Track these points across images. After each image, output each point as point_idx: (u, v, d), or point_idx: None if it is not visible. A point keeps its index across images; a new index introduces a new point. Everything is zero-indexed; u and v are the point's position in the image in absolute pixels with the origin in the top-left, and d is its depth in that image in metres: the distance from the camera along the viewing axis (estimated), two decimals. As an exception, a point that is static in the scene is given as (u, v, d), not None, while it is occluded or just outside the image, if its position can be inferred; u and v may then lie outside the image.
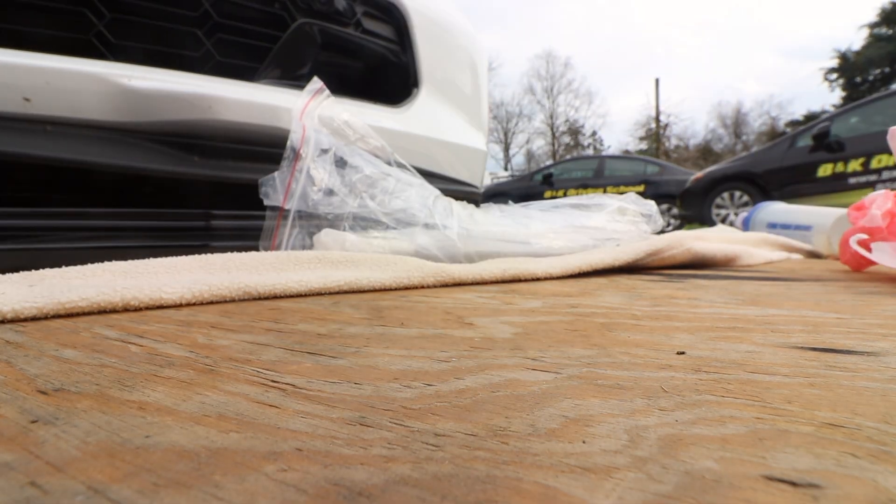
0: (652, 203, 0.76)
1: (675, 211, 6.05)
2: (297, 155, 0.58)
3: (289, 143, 0.58)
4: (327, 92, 0.65)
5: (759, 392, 0.18)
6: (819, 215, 0.97)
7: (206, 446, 0.13)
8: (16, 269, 0.39)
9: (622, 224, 0.70)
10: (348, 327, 0.28)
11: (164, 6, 0.64)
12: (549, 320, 0.30)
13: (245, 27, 0.71)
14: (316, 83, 0.64)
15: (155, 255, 0.44)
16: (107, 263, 0.40)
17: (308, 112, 0.61)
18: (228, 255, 0.46)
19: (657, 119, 18.82)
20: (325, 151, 0.59)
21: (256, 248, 0.61)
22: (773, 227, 1.08)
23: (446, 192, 0.67)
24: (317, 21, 0.76)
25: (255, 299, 0.38)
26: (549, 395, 0.18)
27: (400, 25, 0.89)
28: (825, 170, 4.46)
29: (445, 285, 0.45)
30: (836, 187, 4.38)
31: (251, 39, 0.72)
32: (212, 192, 0.63)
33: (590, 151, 19.80)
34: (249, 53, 0.73)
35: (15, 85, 0.52)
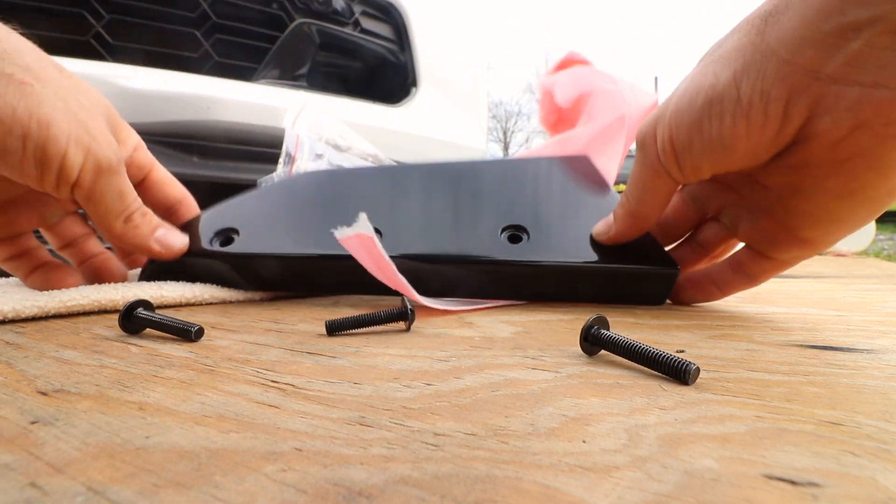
0: None
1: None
2: (292, 159, 0.58)
3: (284, 146, 0.58)
4: (318, 101, 0.65)
5: (758, 390, 0.18)
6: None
7: (205, 447, 0.13)
8: (15, 271, 0.39)
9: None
10: (348, 327, 0.28)
11: (162, 7, 0.64)
12: (549, 319, 0.30)
13: (243, 27, 0.71)
14: (302, 99, 0.65)
15: (154, 256, 0.44)
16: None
17: (299, 122, 0.61)
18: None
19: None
20: (319, 157, 0.59)
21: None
22: (772, 224, 1.08)
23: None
24: (315, 21, 0.76)
25: (254, 300, 0.38)
26: (549, 394, 0.18)
27: (398, 25, 0.89)
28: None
29: (445, 284, 0.45)
30: (836, 185, 4.37)
31: (249, 40, 0.72)
32: (211, 192, 0.63)
33: (590, 150, 19.71)
34: (248, 54, 0.73)
35: (13, 86, 0.52)
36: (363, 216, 0.28)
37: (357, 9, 0.83)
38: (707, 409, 0.16)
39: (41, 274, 0.35)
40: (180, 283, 0.36)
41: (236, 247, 0.37)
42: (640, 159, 0.29)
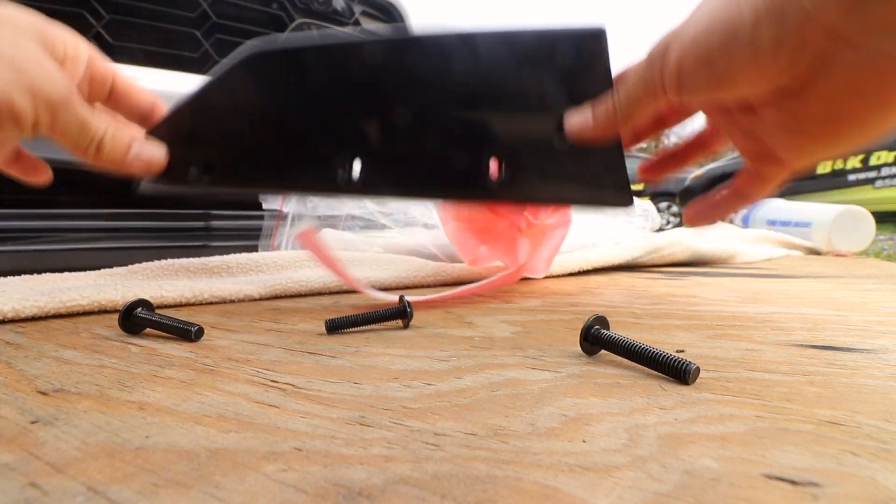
0: (648, 202, 0.78)
1: (674, 209, 6.05)
2: None
3: None
4: None
5: (758, 390, 0.18)
6: (818, 212, 0.97)
7: (205, 446, 0.13)
8: (17, 271, 0.39)
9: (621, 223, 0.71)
10: (348, 327, 0.28)
11: (162, 7, 0.64)
12: (549, 319, 0.30)
13: (243, 27, 0.71)
14: None
15: (155, 256, 0.44)
16: (105, 270, 0.40)
17: None
18: (228, 255, 0.46)
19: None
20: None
21: (256, 249, 0.61)
22: (772, 224, 1.08)
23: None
24: (315, 21, 0.76)
25: (254, 300, 0.38)
26: (549, 393, 0.18)
27: (398, 25, 0.89)
28: (824, 167, 4.46)
29: (445, 284, 0.45)
30: (836, 184, 4.38)
31: (250, 40, 0.72)
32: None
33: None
34: (248, 53, 0.73)
35: (13, 86, 0.52)
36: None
37: (357, 9, 0.83)
38: (707, 409, 0.16)
39: (17, 167, 0.34)
40: (180, 282, 0.36)
41: (219, 179, 0.34)
42: (643, 75, 0.29)
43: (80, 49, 0.33)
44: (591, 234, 0.65)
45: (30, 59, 0.27)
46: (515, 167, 0.32)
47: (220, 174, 0.35)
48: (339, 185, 0.33)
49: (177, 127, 0.35)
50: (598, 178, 0.33)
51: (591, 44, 0.32)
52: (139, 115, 0.36)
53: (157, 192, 0.36)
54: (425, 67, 0.34)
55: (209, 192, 0.35)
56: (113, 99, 0.35)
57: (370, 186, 0.33)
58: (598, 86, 0.31)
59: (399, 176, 0.34)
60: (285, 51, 0.36)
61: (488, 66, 0.33)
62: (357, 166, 0.34)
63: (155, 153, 0.33)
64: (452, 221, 0.47)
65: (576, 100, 0.31)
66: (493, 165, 0.33)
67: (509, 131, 0.33)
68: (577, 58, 0.32)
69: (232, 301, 0.37)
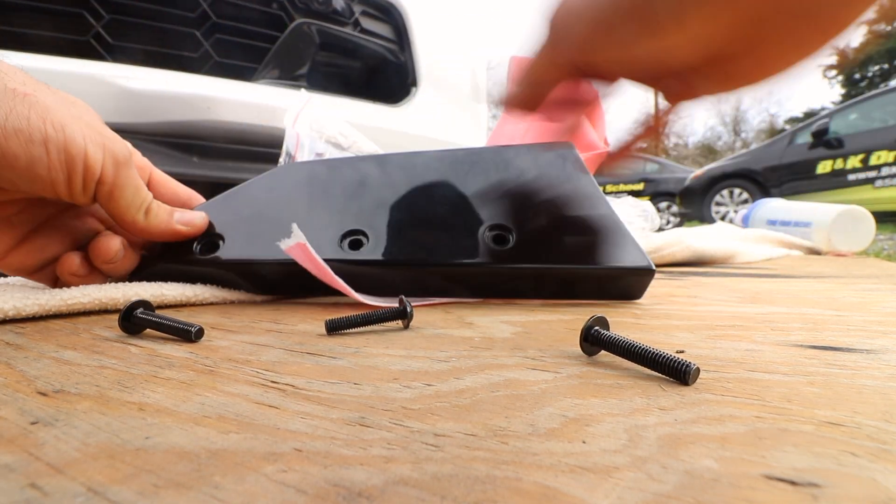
0: (647, 203, 0.78)
1: (674, 209, 6.06)
2: (292, 158, 0.58)
3: (284, 146, 0.58)
4: (318, 101, 0.65)
5: (758, 391, 0.18)
6: (819, 212, 0.98)
7: (205, 447, 0.13)
8: (15, 271, 0.39)
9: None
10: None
11: (162, 7, 0.64)
12: (549, 319, 0.30)
13: (243, 27, 0.71)
14: (304, 96, 0.65)
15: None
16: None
17: (300, 121, 0.61)
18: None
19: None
20: (319, 156, 0.59)
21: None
22: (772, 223, 1.08)
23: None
24: (315, 21, 0.76)
25: (255, 300, 0.38)
26: (549, 394, 0.18)
27: (398, 25, 0.89)
28: (824, 167, 4.46)
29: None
30: (836, 184, 4.38)
31: (249, 40, 0.72)
32: (211, 192, 0.63)
33: (590, 150, 19.83)
34: (248, 53, 0.73)
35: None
36: (295, 227, 0.31)
37: (357, 9, 0.83)
38: (707, 410, 0.16)
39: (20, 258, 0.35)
40: (181, 282, 0.36)
41: (223, 253, 0.37)
42: (544, 43, 0.31)
43: (125, 141, 0.36)
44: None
45: (97, 122, 0.31)
46: (522, 236, 0.36)
47: (227, 248, 0.37)
48: (344, 256, 0.36)
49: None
50: (608, 246, 0.36)
51: (565, 150, 0.42)
52: (177, 206, 0.39)
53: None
54: (442, 170, 0.41)
55: (208, 269, 0.37)
56: (152, 188, 0.38)
57: (378, 258, 0.35)
58: (576, 170, 0.40)
59: (409, 248, 0.36)
60: (319, 162, 0.44)
61: (494, 169, 0.40)
62: (366, 239, 0.37)
63: (196, 218, 0.37)
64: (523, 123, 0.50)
65: (563, 181, 0.39)
66: (500, 236, 0.37)
67: (514, 210, 0.38)
68: (558, 158, 0.41)
69: (232, 301, 0.37)
